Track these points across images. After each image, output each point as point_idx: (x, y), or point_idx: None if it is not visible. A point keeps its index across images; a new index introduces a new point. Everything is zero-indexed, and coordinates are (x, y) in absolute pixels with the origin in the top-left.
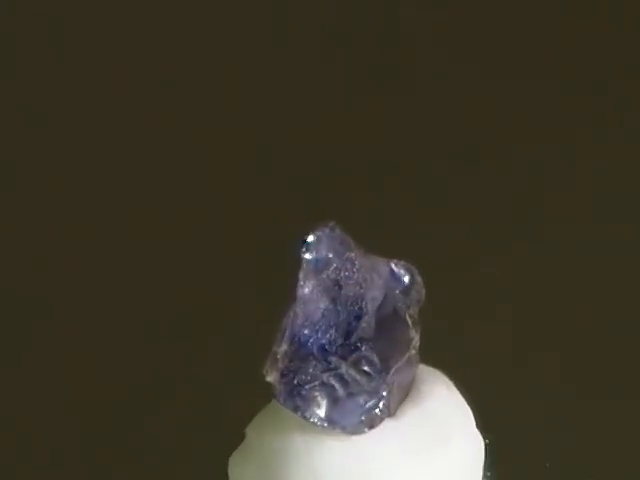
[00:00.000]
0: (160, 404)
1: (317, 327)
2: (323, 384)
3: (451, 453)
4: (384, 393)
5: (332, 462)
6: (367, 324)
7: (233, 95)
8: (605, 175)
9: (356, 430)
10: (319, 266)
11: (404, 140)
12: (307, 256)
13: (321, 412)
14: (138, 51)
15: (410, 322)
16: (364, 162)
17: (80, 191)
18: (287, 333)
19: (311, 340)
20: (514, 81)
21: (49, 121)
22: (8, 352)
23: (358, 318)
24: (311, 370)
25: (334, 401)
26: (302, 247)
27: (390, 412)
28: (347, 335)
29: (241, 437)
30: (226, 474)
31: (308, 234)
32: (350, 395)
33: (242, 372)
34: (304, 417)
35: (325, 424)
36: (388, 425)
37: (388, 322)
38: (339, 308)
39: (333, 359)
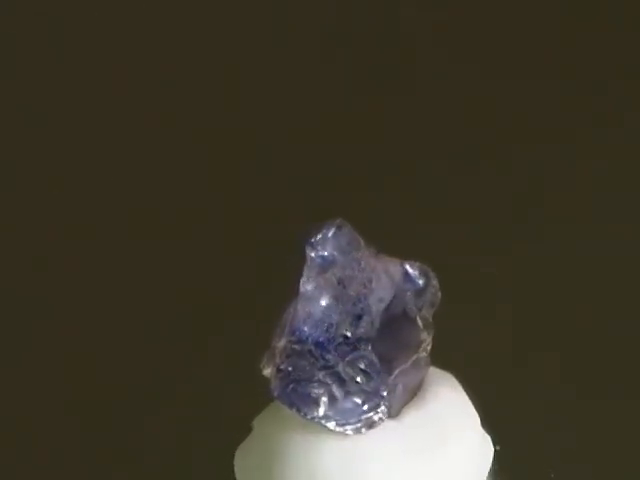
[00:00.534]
0: (160, 404)
1: (317, 324)
2: (319, 382)
3: (451, 456)
4: (384, 394)
5: (330, 461)
6: (369, 324)
7: (233, 95)
8: (605, 175)
9: (355, 430)
10: (324, 264)
11: (404, 140)
12: (312, 253)
13: (318, 410)
14: (138, 51)
15: (421, 324)
16: (364, 162)
17: (80, 191)
18: (287, 329)
19: (310, 337)
20: (514, 81)
21: (49, 121)
22: (8, 352)
23: (359, 318)
24: (307, 367)
25: (331, 399)
26: (307, 244)
27: (392, 413)
28: (346, 334)
29: (241, 436)
30: (226, 474)
31: (314, 231)
32: (348, 394)
33: (242, 372)
34: (300, 413)
35: (323, 422)
36: (388, 426)
37: (396, 323)
38: (340, 307)
39: (331, 357)
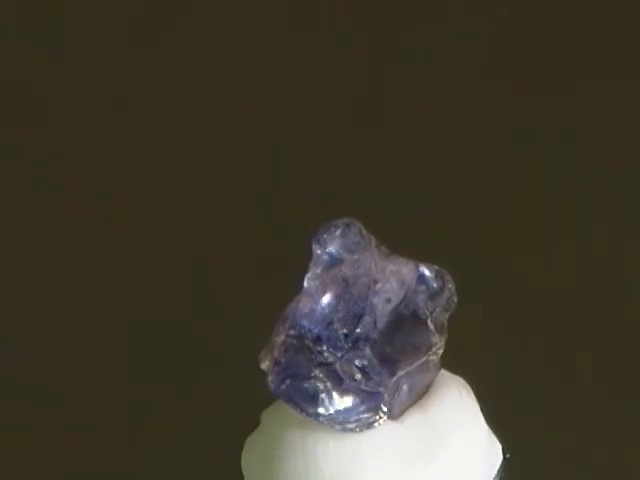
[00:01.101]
0: (160, 404)
1: (317, 321)
2: (315, 378)
3: (451, 461)
4: (384, 394)
5: (325, 460)
6: (369, 324)
7: (233, 93)
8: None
9: (353, 429)
10: (329, 261)
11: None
12: (318, 250)
13: (314, 406)
14: (140, 50)
15: (432, 327)
16: (364, 161)
17: (80, 191)
18: (287, 323)
19: (309, 333)
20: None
21: (48, 118)
22: (8, 353)
23: (359, 317)
24: (304, 363)
25: (328, 397)
26: (314, 240)
27: (393, 414)
28: (346, 333)
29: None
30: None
31: (322, 228)
32: (345, 392)
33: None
34: (295, 409)
35: (320, 419)
36: (388, 427)
37: (405, 325)
38: (342, 305)
39: (328, 354)
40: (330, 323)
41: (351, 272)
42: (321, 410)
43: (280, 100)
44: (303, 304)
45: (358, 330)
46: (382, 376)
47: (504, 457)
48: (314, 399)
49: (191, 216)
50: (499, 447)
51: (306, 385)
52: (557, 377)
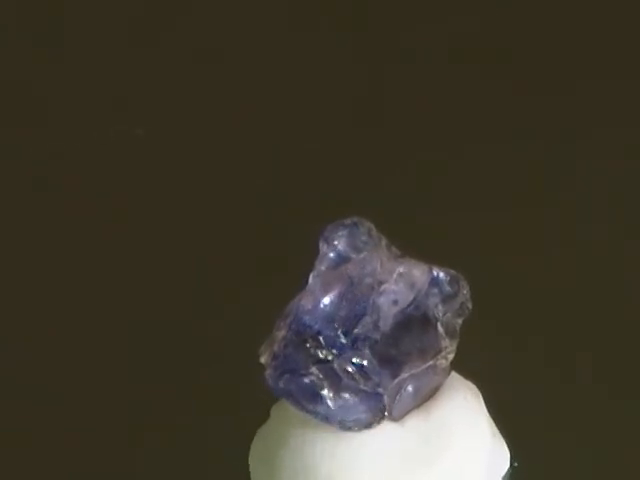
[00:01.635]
0: (160, 404)
1: (318, 318)
2: (312, 375)
3: (451, 466)
4: (383, 395)
5: (322, 458)
6: (370, 324)
7: (233, 93)
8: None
9: (350, 427)
10: (335, 259)
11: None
12: (324, 248)
13: (310, 403)
14: (140, 49)
15: (442, 331)
16: (364, 161)
17: (80, 191)
18: (288, 319)
19: (309, 329)
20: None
21: (48, 118)
22: (8, 353)
23: (360, 317)
24: (302, 359)
25: (325, 394)
26: (322, 238)
27: (393, 416)
28: (346, 332)
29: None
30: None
31: (331, 226)
32: (343, 391)
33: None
34: (293, 404)
35: (316, 416)
36: (388, 428)
37: (413, 328)
38: (344, 304)
39: (327, 352)
40: (331, 321)
41: (356, 272)
42: (318, 407)
43: (280, 100)
44: (306, 301)
45: (357, 330)
46: (382, 377)
47: (511, 465)
48: (311, 395)
49: (191, 216)
50: (506, 454)
51: (303, 381)
52: (557, 377)
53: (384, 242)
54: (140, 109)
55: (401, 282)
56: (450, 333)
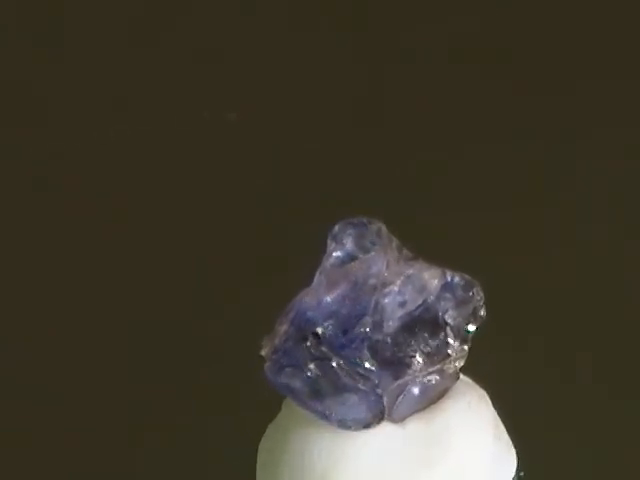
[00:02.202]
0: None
1: (319, 315)
2: (310, 371)
3: (448, 471)
4: (382, 396)
5: (318, 456)
6: (369, 325)
7: (233, 94)
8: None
9: (351, 427)
10: (342, 258)
11: (404, 138)
12: (332, 246)
13: (309, 398)
14: (140, 49)
15: (452, 336)
16: (364, 161)
17: (80, 191)
18: (291, 314)
19: (310, 326)
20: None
21: (48, 119)
22: (8, 353)
23: (360, 317)
24: (301, 354)
25: (323, 391)
26: (330, 235)
27: (394, 417)
28: (345, 331)
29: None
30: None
31: (339, 224)
32: (342, 389)
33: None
34: (292, 398)
35: (314, 413)
36: (388, 429)
37: (421, 331)
38: (347, 303)
39: (326, 350)
40: (333, 319)
41: (361, 271)
42: (316, 404)
43: (280, 100)
44: (310, 297)
45: (356, 329)
46: (382, 378)
47: (517, 475)
48: (309, 392)
49: (191, 216)
50: (512, 462)
51: (302, 377)
52: (557, 377)
53: (395, 244)
54: (140, 109)
55: (409, 285)
56: (461, 339)
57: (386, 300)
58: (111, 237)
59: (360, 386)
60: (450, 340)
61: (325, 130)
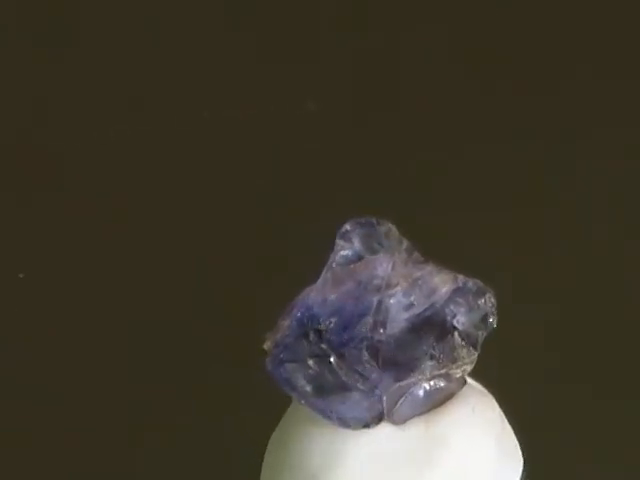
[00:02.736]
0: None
1: (322, 312)
2: (310, 367)
3: (445, 477)
4: (382, 397)
5: (314, 455)
6: (369, 325)
7: (233, 94)
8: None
9: (350, 425)
10: (349, 257)
11: (404, 138)
12: (340, 244)
13: (308, 394)
14: (140, 49)
15: (460, 341)
16: (364, 161)
17: (80, 191)
18: (295, 309)
19: (312, 322)
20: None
21: (48, 119)
22: (8, 353)
23: (361, 317)
24: (302, 350)
25: (321, 387)
26: (338, 234)
27: (394, 419)
28: (346, 329)
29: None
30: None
31: (349, 223)
32: (341, 387)
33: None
34: (291, 393)
35: (316, 409)
36: (387, 430)
37: (427, 335)
38: (350, 302)
39: (326, 347)
40: (335, 317)
41: (367, 272)
42: (314, 400)
43: (280, 100)
44: (315, 294)
45: (356, 329)
46: (383, 379)
47: None
48: (310, 388)
49: (191, 216)
50: (517, 471)
51: (301, 372)
52: (557, 377)
53: (405, 246)
54: (140, 109)
55: (416, 287)
56: (469, 344)
57: (390, 301)
58: (111, 237)
59: (359, 385)
60: (458, 345)
61: (325, 130)
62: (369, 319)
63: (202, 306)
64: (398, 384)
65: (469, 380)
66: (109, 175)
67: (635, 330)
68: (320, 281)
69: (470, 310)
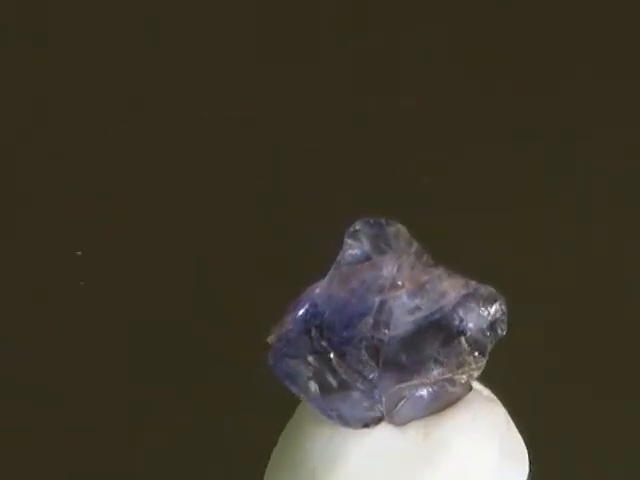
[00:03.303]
0: (160, 404)
1: (327, 310)
2: (309, 363)
3: None
4: (381, 397)
5: (314, 452)
6: (370, 325)
7: (233, 94)
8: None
9: (350, 424)
10: (356, 256)
11: (404, 138)
12: (348, 243)
13: (307, 390)
14: (140, 49)
15: (467, 347)
16: (364, 161)
17: (80, 191)
18: (299, 305)
19: (315, 319)
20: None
21: (48, 118)
22: (8, 353)
23: (362, 316)
24: (303, 345)
25: (320, 384)
26: (347, 233)
27: (394, 420)
28: (347, 328)
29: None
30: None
31: (359, 222)
32: (341, 385)
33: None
34: (293, 389)
35: (315, 405)
36: (386, 431)
37: (433, 338)
38: (353, 301)
39: (326, 344)
40: (338, 315)
41: (372, 272)
42: (313, 396)
43: (280, 100)
44: (321, 291)
45: (357, 328)
46: (383, 379)
47: None
48: (307, 383)
49: (191, 216)
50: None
51: (301, 368)
52: (557, 377)
53: (414, 249)
54: (140, 109)
55: (424, 291)
56: (476, 350)
57: (394, 303)
58: (111, 237)
59: (359, 385)
60: (464, 351)
61: (325, 130)
62: (369, 319)
63: (202, 306)
64: (399, 386)
65: (477, 386)
66: (109, 175)
67: (635, 330)
68: (327, 278)
69: (479, 316)
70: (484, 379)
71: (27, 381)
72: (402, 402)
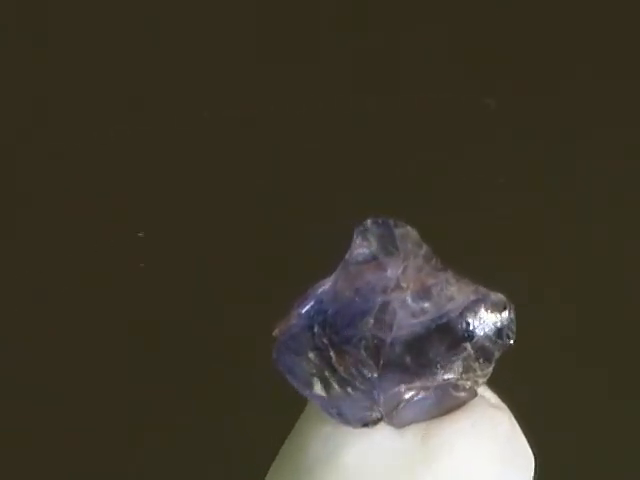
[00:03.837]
0: (160, 404)
1: (331, 308)
2: (310, 359)
3: None
4: (379, 398)
5: (313, 445)
6: (370, 325)
7: (233, 94)
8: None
9: (349, 422)
10: (364, 255)
11: (404, 138)
12: (357, 241)
13: (307, 386)
14: (140, 49)
15: (473, 353)
16: (364, 161)
17: (80, 191)
18: (305, 301)
19: (318, 316)
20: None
21: (48, 118)
22: (8, 353)
23: (363, 316)
24: (304, 342)
25: (319, 380)
26: (356, 232)
27: (393, 422)
28: (348, 327)
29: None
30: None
31: (369, 221)
32: (340, 383)
33: (243, 372)
34: (293, 383)
35: (315, 401)
36: (384, 432)
37: (438, 343)
38: (357, 300)
39: (327, 341)
40: (340, 314)
41: (377, 272)
42: (313, 392)
43: (280, 100)
44: (327, 288)
45: (357, 328)
46: (383, 380)
47: None
48: (310, 379)
49: (191, 216)
50: None
51: (302, 363)
52: (557, 377)
53: (423, 251)
54: (140, 109)
55: (429, 294)
56: (482, 357)
57: (397, 305)
58: (111, 237)
59: (358, 384)
60: (469, 357)
61: (325, 130)
62: (370, 319)
63: (202, 306)
64: (400, 387)
65: (486, 393)
66: (109, 175)
67: (635, 330)
68: (334, 276)
69: (487, 323)
70: (488, 382)
71: (27, 381)
72: (403, 404)
